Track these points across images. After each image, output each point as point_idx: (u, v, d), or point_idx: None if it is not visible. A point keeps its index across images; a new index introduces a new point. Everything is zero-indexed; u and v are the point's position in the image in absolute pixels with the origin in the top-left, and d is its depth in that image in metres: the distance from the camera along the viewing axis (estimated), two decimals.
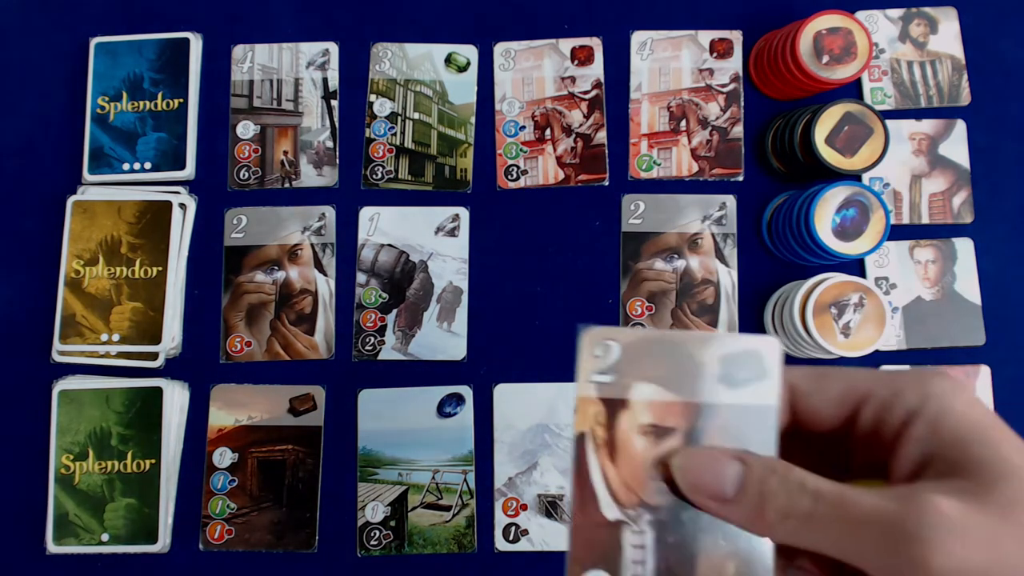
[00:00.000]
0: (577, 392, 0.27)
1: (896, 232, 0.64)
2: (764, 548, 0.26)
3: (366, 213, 0.66)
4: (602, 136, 0.67)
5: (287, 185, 0.67)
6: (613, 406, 0.27)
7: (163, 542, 0.61)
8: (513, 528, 0.61)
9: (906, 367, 0.63)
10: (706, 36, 0.67)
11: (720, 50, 0.67)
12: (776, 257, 0.65)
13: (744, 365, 0.27)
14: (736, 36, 0.67)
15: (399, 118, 0.68)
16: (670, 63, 0.67)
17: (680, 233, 0.65)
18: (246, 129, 0.67)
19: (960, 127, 0.66)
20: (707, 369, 0.27)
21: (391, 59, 0.68)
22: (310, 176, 0.67)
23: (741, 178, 0.66)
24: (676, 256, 0.65)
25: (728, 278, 0.64)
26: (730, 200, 0.65)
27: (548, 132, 0.67)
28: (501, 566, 0.61)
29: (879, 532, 0.23)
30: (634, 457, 0.27)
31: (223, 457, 0.63)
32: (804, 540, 0.24)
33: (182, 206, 0.65)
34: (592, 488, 0.27)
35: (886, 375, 0.26)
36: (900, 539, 0.22)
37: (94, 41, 0.68)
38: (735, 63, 0.67)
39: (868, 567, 0.23)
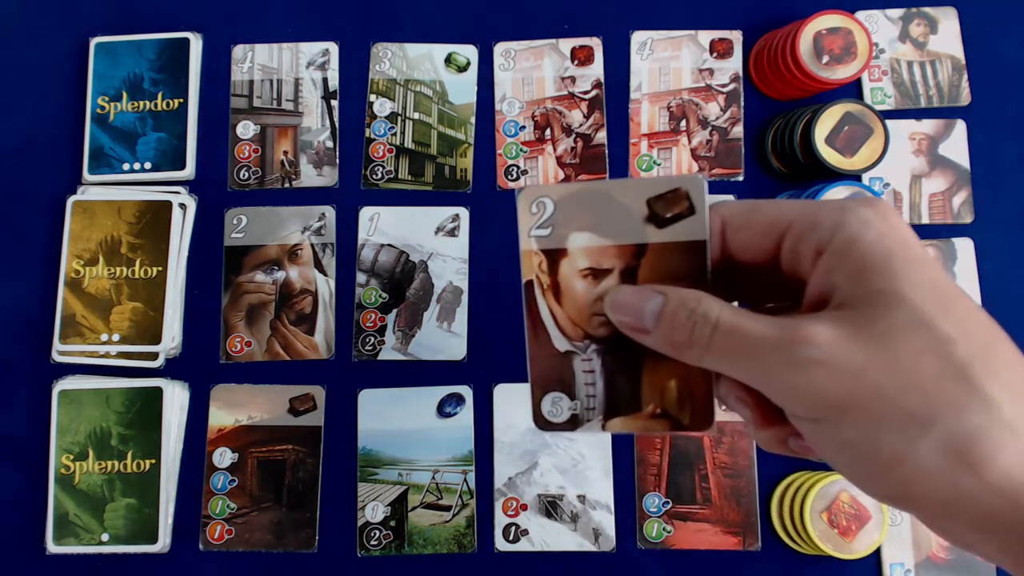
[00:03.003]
0: (520, 246, 0.31)
1: None
2: (703, 369, 0.28)
3: (366, 213, 0.66)
4: (602, 136, 0.67)
5: (287, 185, 0.67)
6: (553, 255, 0.30)
7: (163, 542, 0.61)
8: (513, 528, 0.61)
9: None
10: (706, 36, 0.67)
11: (720, 50, 0.67)
12: None
13: (670, 204, 0.29)
14: (736, 36, 0.67)
15: (399, 118, 0.68)
16: (670, 63, 0.67)
17: None
18: (246, 129, 0.67)
19: (960, 127, 0.66)
20: (634, 212, 0.29)
21: (391, 59, 0.68)
22: (310, 176, 0.67)
23: (741, 178, 0.66)
24: None
25: None
26: (730, 200, 0.65)
27: (548, 132, 0.67)
28: (501, 566, 0.61)
29: (764, 358, 0.24)
30: (576, 297, 0.30)
31: (223, 457, 0.63)
32: (709, 364, 0.26)
33: (182, 206, 0.65)
34: (544, 326, 0.31)
35: (811, 205, 0.27)
36: (781, 364, 0.24)
37: (94, 41, 0.68)
38: (735, 63, 0.67)
39: (764, 391, 0.25)
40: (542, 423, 0.32)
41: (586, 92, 0.67)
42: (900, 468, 0.23)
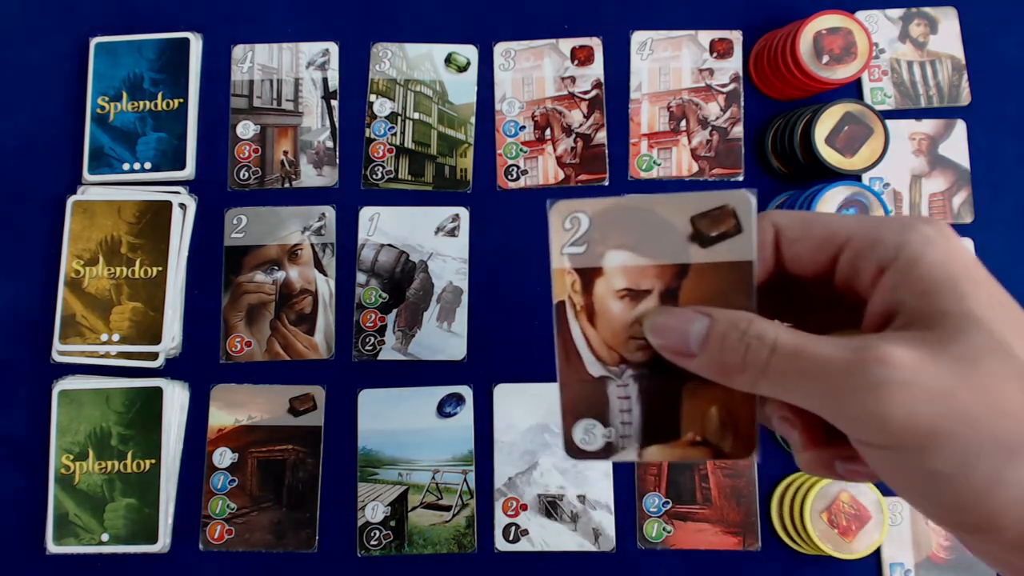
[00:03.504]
0: (552, 264, 0.29)
1: None
2: (747, 394, 0.27)
3: (366, 213, 0.66)
4: (602, 136, 0.67)
5: (287, 185, 0.67)
6: (588, 274, 0.29)
7: (163, 542, 0.61)
8: (513, 528, 0.61)
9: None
10: (706, 36, 0.67)
11: (720, 50, 0.67)
12: None
13: (716, 222, 0.27)
14: (736, 36, 0.67)
15: (399, 118, 0.68)
16: (670, 63, 0.67)
17: None
18: (246, 129, 0.67)
19: (960, 127, 0.66)
20: (678, 230, 0.27)
21: (391, 59, 0.68)
22: (310, 176, 0.67)
23: (741, 178, 0.66)
24: None
25: None
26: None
27: (548, 132, 0.67)
28: (501, 566, 0.61)
29: (833, 382, 0.23)
30: (612, 319, 0.29)
31: (223, 457, 0.63)
32: (764, 390, 0.24)
33: (182, 206, 0.65)
34: (576, 350, 0.29)
35: (869, 220, 0.26)
36: (852, 389, 0.22)
37: (94, 41, 0.68)
38: (735, 63, 0.67)
39: (827, 416, 0.23)
40: (574, 451, 0.30)
41: (586, 92, 0.67)
42: (990, 499, 0.21)
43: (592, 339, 0.29)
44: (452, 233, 0.66)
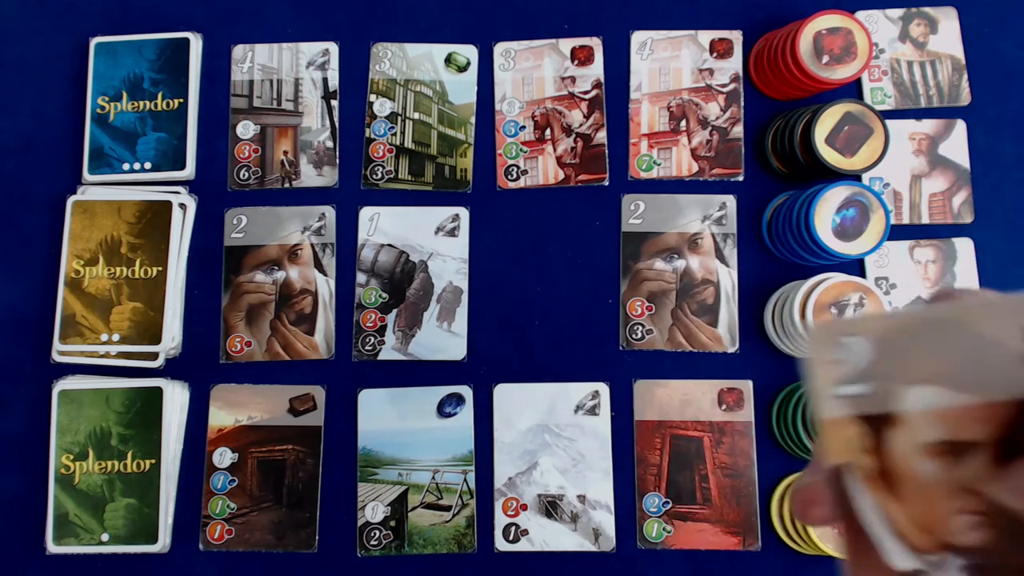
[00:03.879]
0: (821, 412, 0.21)
1: (896, 232, 0.64)
2: None
3: (366, 213, 0.66)
4: (602, 136, 0.67)
5: (287, 185, 0.67)
6: (879, 424, 0.20)
7: (163, 542, 0.61)
8: (513, 528, 0.61)
9: None
10: (706, 36, 0.67)
11: (720, 50, 0.67)
12: (776, 257, 0.65)
13: None
14: (736, 36, 0.67)
15: (399, 118, 0.68)
16: (670, 63, 0.67)
17: (680, 233, 0.65)
18: (246, 129, 0.67)
19: (960, 127, 0.66)
20: (1009, 348, 0.19)
21: (391, 59, 0.68)
22: (310, 176, 0.67)
23: (741, 178, 0.66)
24: (676, 256, 0.65)
25: (728, 278, 0.64)
26: (730, 200, 0.65)
27: (548, 132, 0.67)
28: (501, 566, 0.61)
29: None
30: (925, 488, 0.20)
31: (223, 457, 0.63)
32: None
33: (182, 206, 0.65)
34: (870, 533, 0.21)
35: None
36: None
37: (94, 41, 0.68)
38: (735, 63, 0.67)
39: None
40: None
41: (586, 92, 0.67)
42: None
43: (895, 516, 0.20)
44: (452, 233, 0.66)
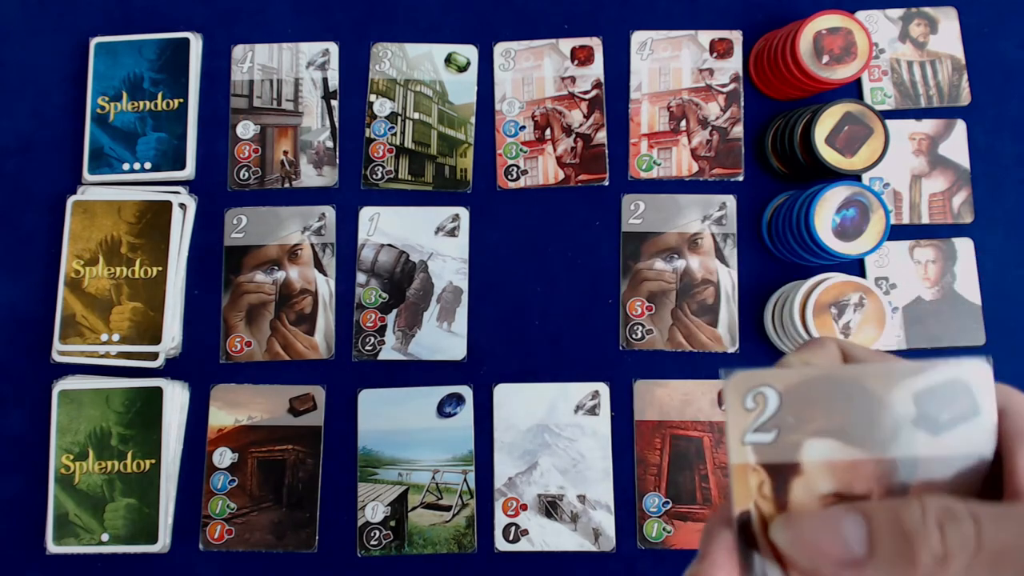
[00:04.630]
0: (730, 458, 0.22)
1: (896, 232, 0.64)
2: None
3: (366, 213, 0.66)
4: (602, 136, 0.67)
5: (287, 185, 0.67)
6: (781, 472, 0.21)
7: (163, 542, 0.61)
8: (513, 528, 0.61)
9: None
10: (706, 36, 0.67)
11: (720, 50, 0.67)
12: (776, 257, 0.65)
13: (947, 402, 0.21)
14: (736, 36, 0.67)
15: (399, 118, 0.68)
16: (670, 63, 0.67)
17: (680, 233, 0.65)
18: (246, 129, 0.67)
19: (960, 127, 0.66)
20: (899, 412, 0.21)
21: (391, 59, 0.68)
22: (310, 176, 0.67)
23: (741, 178, 0.66)
24: (676, 256, 0.65)
25: (728, 278, 0.64)
26: (730, 200, 0.65)
27: (548, 132, 0.67)
28: (501, 566, 0.61)
29: None
30: None
31: (223, 457, 0.63)
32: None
33: (182, 206, 0.65)
34: None
35: (1012, 393, 0.23)
36: None
37: (94, 41, 0.68)
38: (735, 63, 0.67)
39: None
40: None
41: (586, 92, 0.67)
42: None
43: (791, 565, 0.21)
44: (452, 233, 0.66)
